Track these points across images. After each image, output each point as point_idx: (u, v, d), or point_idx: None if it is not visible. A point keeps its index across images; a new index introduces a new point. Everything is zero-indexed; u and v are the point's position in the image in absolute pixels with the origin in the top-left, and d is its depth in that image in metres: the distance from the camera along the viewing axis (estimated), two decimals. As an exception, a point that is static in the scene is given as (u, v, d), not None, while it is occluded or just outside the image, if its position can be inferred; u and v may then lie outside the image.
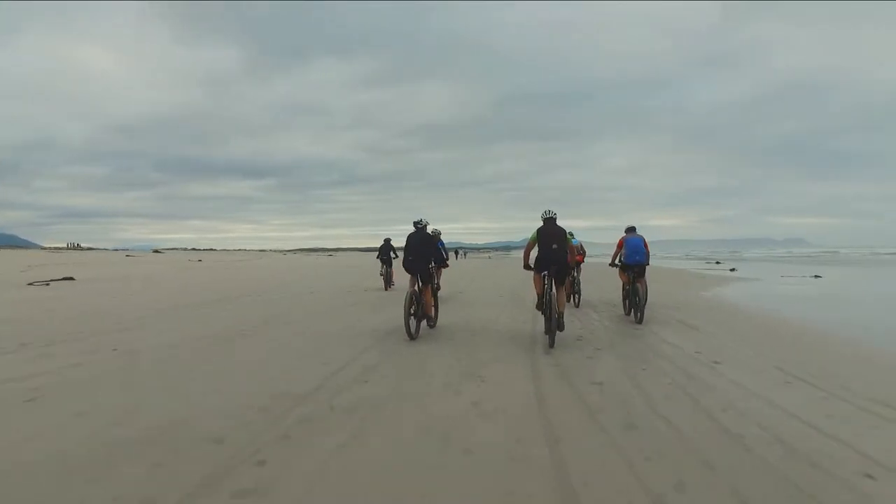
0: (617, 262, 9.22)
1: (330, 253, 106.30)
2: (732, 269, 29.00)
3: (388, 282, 15.05)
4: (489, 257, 73.66)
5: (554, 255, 6.51)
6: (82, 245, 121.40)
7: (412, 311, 6.79)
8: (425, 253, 7.20)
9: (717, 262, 41.05)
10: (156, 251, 75.26)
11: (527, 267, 6.94)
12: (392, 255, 15.19)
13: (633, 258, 8.65)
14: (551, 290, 6.42)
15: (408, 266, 7.17)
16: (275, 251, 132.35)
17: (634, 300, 8.46)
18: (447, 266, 8.63)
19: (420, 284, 7.11)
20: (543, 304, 6.49)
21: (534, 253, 6.74)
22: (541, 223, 6.80)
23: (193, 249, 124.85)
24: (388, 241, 15.49)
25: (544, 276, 6.58)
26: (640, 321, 8.19)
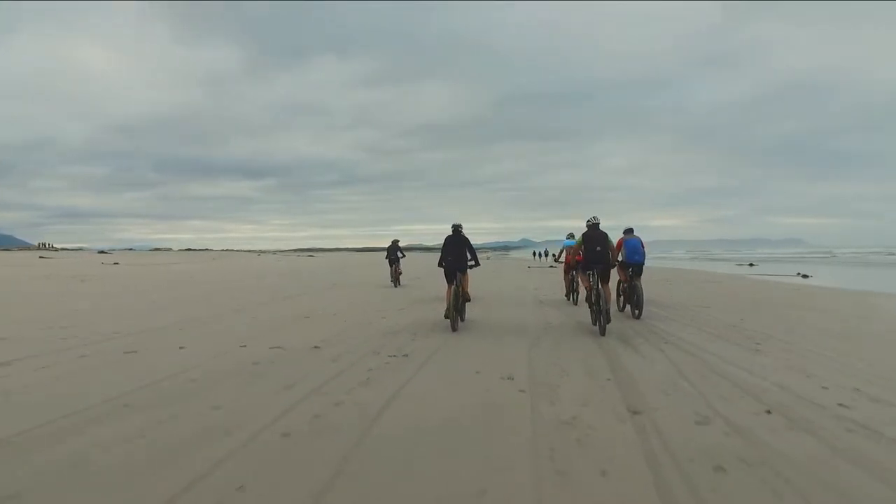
0: (616, 261, 9.76)
1: (310, 254, 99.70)
2: (805, 276, 22.17)
3: (397, 279, 16.23)
4: (488, 258, 68.27)
5: (598, 256, 7.65)
6: (55, 245, 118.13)
7: (455, 307, 7.64)
8: (462, 253, 8.10)
9: (751, 265, 35.07)
10: (101, 252, 67.93)
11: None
12: (399, 254, 16.55)
13: (633, 258, 9.15)
14: (598, 287, 7.39)
15: (447, 265, 8.02)
16: (251, 251, 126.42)
17: (633, 297, 8.98)
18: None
19: (458, 281, 7.86)
20: (591, 298, 7.58)
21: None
22: (586, 228, 7.96)
23: (189, 250, 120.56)
24: (395, 242, 16.72)
25: (590, 274, 7.73)
26: (638, 317, 8.74)
